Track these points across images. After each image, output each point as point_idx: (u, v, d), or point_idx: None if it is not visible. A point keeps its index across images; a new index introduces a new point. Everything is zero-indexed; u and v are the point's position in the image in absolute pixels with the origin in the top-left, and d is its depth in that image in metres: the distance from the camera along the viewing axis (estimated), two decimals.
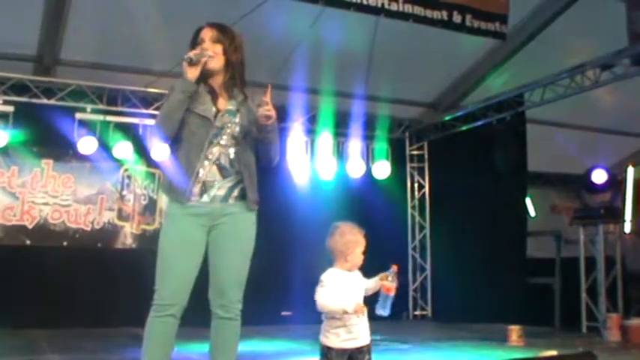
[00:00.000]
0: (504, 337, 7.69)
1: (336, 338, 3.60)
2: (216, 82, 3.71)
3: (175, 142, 3.64)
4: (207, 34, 3.69)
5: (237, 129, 3.68)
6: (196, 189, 3.60)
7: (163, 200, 8.39)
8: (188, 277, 3.58)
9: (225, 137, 3.66)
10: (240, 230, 3.69)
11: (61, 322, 8.44)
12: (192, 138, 3.60)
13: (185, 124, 3.60)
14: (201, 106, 3.62)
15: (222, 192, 3.64)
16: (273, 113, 3.62)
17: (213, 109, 3.65)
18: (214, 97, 3.68)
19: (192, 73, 3.54)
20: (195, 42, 3.68)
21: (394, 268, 3.65)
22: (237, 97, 3.74)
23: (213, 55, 3.63)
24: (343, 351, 3.60)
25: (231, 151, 3.67)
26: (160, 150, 8.71)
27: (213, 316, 3.64)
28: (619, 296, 8.65)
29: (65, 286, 8.69)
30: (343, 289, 3.60)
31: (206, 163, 3.61)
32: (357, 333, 3.59)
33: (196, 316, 3.64)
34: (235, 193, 3.67)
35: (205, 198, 3.61)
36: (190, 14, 6.79)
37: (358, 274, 3.71)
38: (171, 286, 3.53)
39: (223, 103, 3.70)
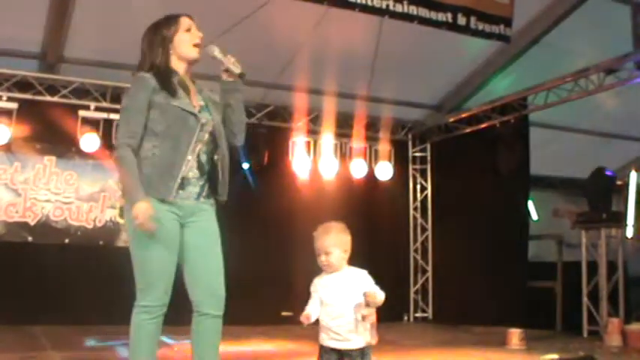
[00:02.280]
0: (505, 340, 7.69)
1: (325, 336, 3.61)
2: (186, 73, 3.71)
3: (154, 135, 3.52)
4: (192, 23, 3.72)
5: (214, 124, 3.69)
6: (176, 185, 3.54)
7: None
8: (173, 274, 3.55)
9: (206, 134, 3.65)
10: (213, 227, 3.70)
11: (61, 319, 8.43)
12: (180, 133, 3.54)
13: (164, 117, 3.52)
14: (179, 100, 3.57)
15: (196, 189, 3.63)
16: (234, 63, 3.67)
17: (193, 104, 3.63)
18: (186, 90, 3.65)
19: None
20: (174, 26, 3.66)
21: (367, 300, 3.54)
22: (200, 91, 3.75)
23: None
24: (331, 350, 3.60)
25: (210, 147, 3.67)
26: None
27: (201, 316, 3.59)
28: (620, 301, 8.63)
29: (66, 283, 8.69)
30: (320, 295, 3.64)
31: (189, 159, 3.57)
32: (344, 335, 3.55)
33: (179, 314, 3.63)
34: (205, 190, 3.67)
35: (183, 194, 3.57)
36: (194, 13, 6.79)
37: (344, 274, 3.63)
38: (162, 286, 3.49)
39: (195, 98, 3.68)
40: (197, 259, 3.62)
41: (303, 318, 3.62)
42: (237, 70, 3.68)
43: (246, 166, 10.07)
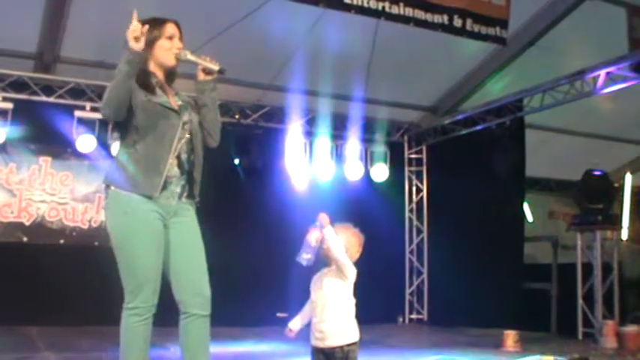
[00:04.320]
0: (500, 342, 7.69)
1: (312, 336, 3.67)
2: (164, 77, 3.70)
3: (135, 131, 3.51)
4: (177, 31, 3.69)
5: (193, 125, 3.68)
6: (162, 181, 3.52)
7: None
8: (160, 274, 3.53)
9: (187, 132, 3.65)
10: (195, 227, 3.69)
11: (56, 320, 8.43)
12: (163, 129, 3.53)
13: (146, 114, 3.51)
14: (159, 98, 3.57)
15: (178, 189, 3.62)
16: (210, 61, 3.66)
17: (173, 103, 3.63)
18: (164, 91, 3.65)
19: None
20: (157, 31, 3.63)
21: (320, 220, 3.64)
22: (177, 93, 3.75)
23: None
24: (316, 349, 3.66)
25: (189, 147, 3.66)
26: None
27: (189, 317, 3.57)
28: (615, 303, 8.64)
29: (61, 284, 8.68)
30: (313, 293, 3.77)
31: (172, 156, 3.56)
32: (326, 333, 3.59)
33: (167, 316, 3.62)
34: (186, 191, 3.66)
35: (165, 193, 3.55)
36: (191, 14, 6.78)
37: (331, 270, 3.72)
38: (151, 287, 3.47)
39: (173, 99, 3.67)
40: (181, 260, 3.60)
41: (286, 332, 3.80)
42: (216, 67, 3.66)
43: (236, 161, 10.07)
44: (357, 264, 3.70)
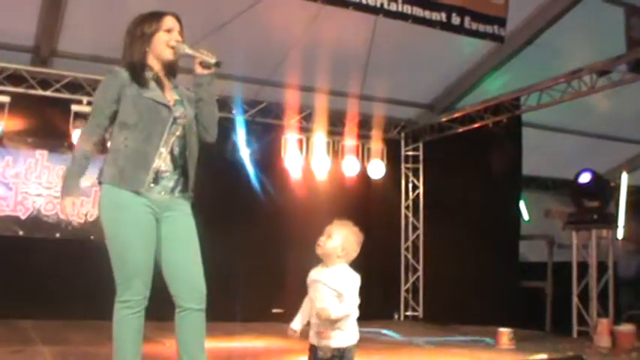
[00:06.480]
0: (495, 339, 7.71)
1: (311, 333, 3.64)
2: (162, 71, 3.69)
3: (126, 128, 3.53)
4: (176, 25, 3.68)
5: (187, 120, 3.68)
6: (149, 177, 3.53)
7: None
8: (152, 267, 3.54)
9: (179, 128, 3.65)
10: (190, 222, 3.69)
11: (51, 314, 8.41)
12: (152, 124, 3.53)
13: (136, 109, 3.51)
14: (152, 92, 3.57)
15: (171, 184, 3.62)
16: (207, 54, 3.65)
17: (166, 98, 3.63)
18: (160, 85, 3.65)
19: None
20: (155, 24, 3.63)
21: None
22: (176, 87, 3.75)
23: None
24: (315, 347, 3.63)
25: (182, 141, 3.66)
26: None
27: (184, 311, 3.57)
28: (610, 302, 8.67)
29: (57, 277, 8.66)
30: (308, 290, 3.70)
31: (162, 151, 3.56)
32: (327, 334, 3.55)
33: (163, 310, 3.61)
34: (180, 185, 3.66)
35: (157, 188, 3.56)
36: (189, 8, 6.76)
37: (331, 271, 3.63)
38: (142, 279, 3.49)
39: (169, 93, 3.68)
40: (175, 254, 3.61)
41: (289, 333, 3.75)
42: (212, 60, 3.64)
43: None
44: (354, 262, 3.68)
